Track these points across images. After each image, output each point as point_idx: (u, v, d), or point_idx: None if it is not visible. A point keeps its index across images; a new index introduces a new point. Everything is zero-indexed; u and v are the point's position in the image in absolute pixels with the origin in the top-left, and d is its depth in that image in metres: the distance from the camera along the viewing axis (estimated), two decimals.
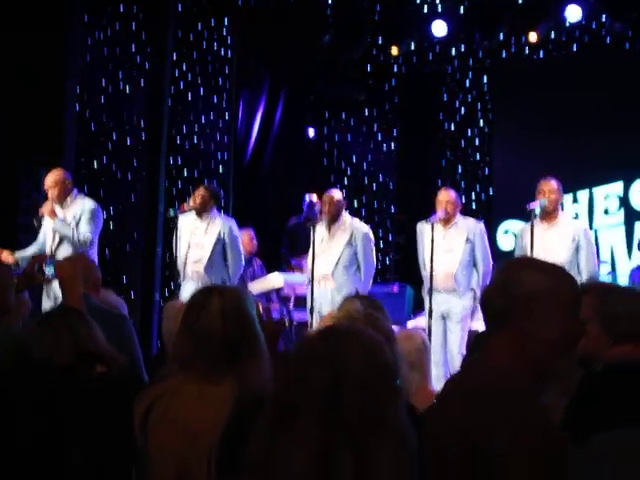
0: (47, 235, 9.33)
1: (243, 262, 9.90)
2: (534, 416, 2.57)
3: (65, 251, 9.10)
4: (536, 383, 2.68)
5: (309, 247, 9.76)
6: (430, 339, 8.54)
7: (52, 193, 9.24)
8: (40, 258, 6.07)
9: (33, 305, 6.49)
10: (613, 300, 3.66)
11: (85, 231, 9.11)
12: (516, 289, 2.69)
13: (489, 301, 2.77)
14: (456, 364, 8.60)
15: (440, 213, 9.12)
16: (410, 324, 10.21)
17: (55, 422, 3.59)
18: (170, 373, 3.40)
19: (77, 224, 9.14)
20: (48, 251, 9.20)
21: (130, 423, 3.33)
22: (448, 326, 9.08)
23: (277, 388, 2.52)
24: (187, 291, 9.49)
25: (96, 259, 9.23)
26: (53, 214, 9.14)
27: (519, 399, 2.59)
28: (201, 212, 9.73)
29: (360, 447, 2.30)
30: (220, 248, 9.68)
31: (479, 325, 9.64)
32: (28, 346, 3.78)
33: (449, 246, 9.13)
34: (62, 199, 9.25)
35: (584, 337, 3.52)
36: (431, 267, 8.96)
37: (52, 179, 9.31)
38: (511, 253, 12.07)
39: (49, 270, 5.73)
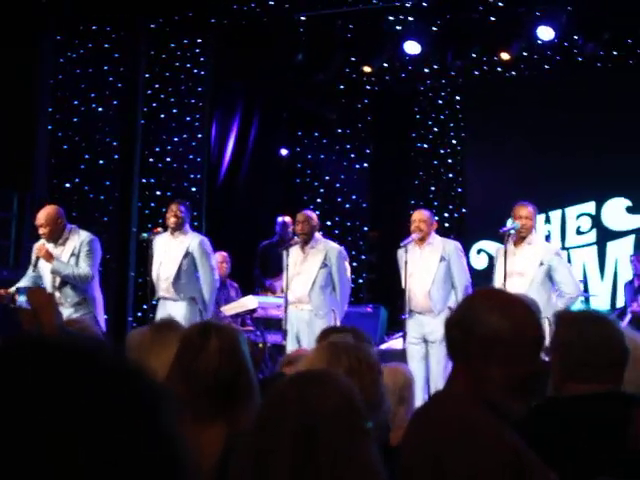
0: (46, 276, 9.01)
1: (216, 277, 9.69)
2: (485, 441, 2.60)
3: (68, 289, 8.92)
4: (490, 411, 2.69)
5: (282, 268, 9.73)
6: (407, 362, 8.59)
7: (44, 231, 8.90)
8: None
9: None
10: (573, 330, 3.60)
11: (84, 267, 8.86)
12: (476, 328, 2.70)
13: (450, 332, 2.78)
14: (439, 385, 8.53)
15: (414, 234, 9.13)
16: (383, 347, 10.21)
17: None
18: None
19: (77, 259, 8.90)
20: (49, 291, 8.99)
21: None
22: (428, 349, 9.04)
23: (251, 434, 2.54)
24: (162, 311, 9.47)
25: (98, 291, 9.15)
26: (49, 257, 8.83)
27: (472, 426, 2.63)
28: (175, 230, 9.66)
29: None
30: (189, 262, 9.54)
31: None
32: None
33: (425, 265, 9.14)
34: (56, 237, 8.94)
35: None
36: (405, 289, 9.00)
37: (43, 217, 8.93)
38: (484, 272, 12.14)
39: (22, 299, 5.64)
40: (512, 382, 2.70)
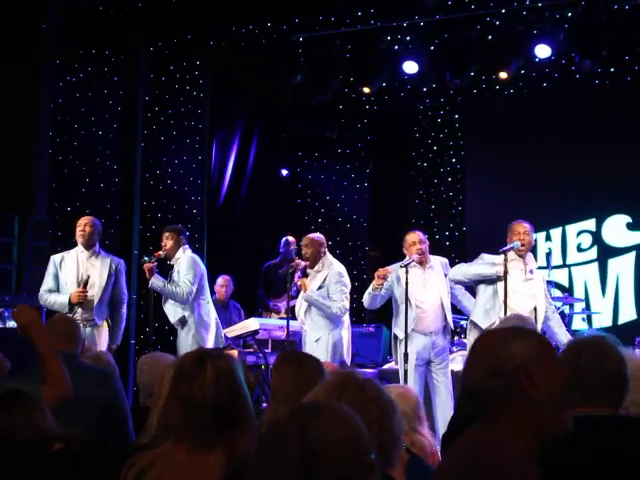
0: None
1: (187, 286, 9.46)
2: None
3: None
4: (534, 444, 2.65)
5: (285, 289, 9.67)
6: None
7: (86, 229, 9.23)
8: None
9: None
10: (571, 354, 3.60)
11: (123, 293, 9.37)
12: (509, 364, 2.65)
13: (481, 386, 2.69)
14: (448, 411, 8.39)
15: (414, 255, 9.02)
16: (385, 367, 10.18)
17: None
18: (158, 439, 3.37)
19: (109, 281, 9.19)
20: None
21: None
22: (433, 370, 8.96)
23: (251, 468, 2.52)
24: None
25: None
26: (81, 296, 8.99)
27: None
28: (172, 256, 9.69)
29: None
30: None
31: (455, 365, 9.63)
32: None
33: (433, 285, 9.06)
34: (91, 244, 9.24)
35: None
36: (406, 310, 8.85)
37: (88, 218, 9.37)
38: None
39: (10, 321, 5.56)
40: (559, 394, 2.68)
